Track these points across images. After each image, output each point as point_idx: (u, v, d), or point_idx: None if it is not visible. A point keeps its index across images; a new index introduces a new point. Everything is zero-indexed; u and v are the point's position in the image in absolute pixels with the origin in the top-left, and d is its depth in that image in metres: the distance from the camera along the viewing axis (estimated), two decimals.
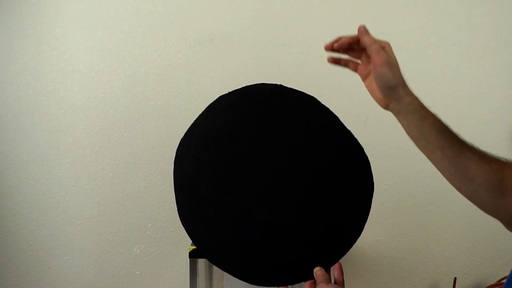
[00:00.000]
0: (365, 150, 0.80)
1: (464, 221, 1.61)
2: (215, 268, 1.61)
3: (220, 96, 0.79)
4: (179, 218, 0.77)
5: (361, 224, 0.78)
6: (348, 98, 1.55)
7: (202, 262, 1.51)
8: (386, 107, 0.77)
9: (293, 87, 0.80)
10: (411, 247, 1.63)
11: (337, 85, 1.59)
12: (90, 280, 1.63)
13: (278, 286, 0.77)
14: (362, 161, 0.79)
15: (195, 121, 0.79)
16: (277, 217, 0.75)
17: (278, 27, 1.59)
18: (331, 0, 1.59)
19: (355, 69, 0.79)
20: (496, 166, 0.70)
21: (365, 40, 0.73)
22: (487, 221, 0.83)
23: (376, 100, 0.77)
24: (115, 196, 1.61)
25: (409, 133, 0.76)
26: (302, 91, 0.80)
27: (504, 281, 1.55)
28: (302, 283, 0.77)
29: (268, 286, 0.78)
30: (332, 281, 0.75)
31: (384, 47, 0.74)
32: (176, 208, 0.77)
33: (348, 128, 0.80)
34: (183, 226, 0.77)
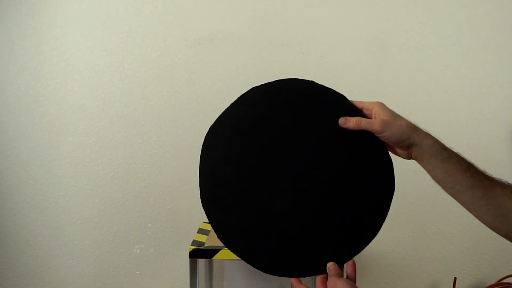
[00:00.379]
0: None
1: (464, 221, 1.61)
2: (215, 268, 1.61)
3: (253, 88, 0.81)
4: (200, 201, 0.78)
5: (379, 223, 0.79)
6: (348, 98, 1.54)
7: (202, 262, 1.51)
8: (410, 157, 0.76)
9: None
10: (411, 247, 1.63)
11: (337, 85, 1.58)
12: (90, 280, 1.63)
13: (290, 276, 0.79)
14: (386, 161, 0.79)
15: (226, 109, 0.80)
16: (297, 209, 0.76)
17: (278, 27, 1.59)
18: (331, 0, 1.59)
19: None
20: None
21: (351, 126, 0.75)
22: None
23: (401, 157, 0.78)
24: (115, 196, 1.61)
25: (434, 177, 0.74)
26: (333, 88, 0.82)
27: (504, 281, 1.56)
28: (313, 277, 0.78)
29: (281, 276, 0.79)
30: (345, 276, 0.75)
31: (376, 110, 0.75)
32: (199, 192, 0.78)
33: None
34: (204, 210, 0.78)
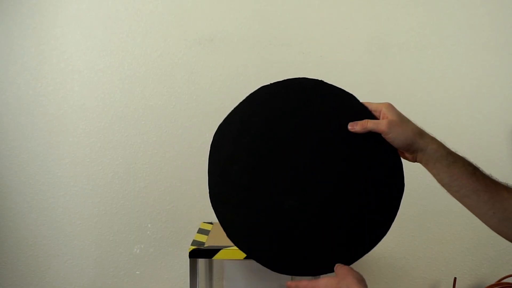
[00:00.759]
0: None
1: (464, 221, 1.61)
2: (215, 268, 1.61)
3: (262, 87, 0.81)
4: (209, 200, 0.78)
5: (388, 223, 0.80)
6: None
7: (202, 262, 1.51)
8: (415, 161, 0.77)
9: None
10: (411, 247, 1.63)
11: (337, 85, 1.58)
12: (90, 280, 1.63)
13: (298, 275, 0.79)
14: (395, 162, 0.79)
15: (235, 108, 0.80)
16: (305, 208, 0.76)
17: (278, 27, 1.59)
18: (331, 0, 1.59)
19: None
20: None
21: (358, 130, 0.76)
22: None
23: (407, 160, 0.78)
24: (115, 196, 1.61)
25: (440, 181, 0.75)
26: (343, 88, 0.81)
27: (504, 281, 1.56)
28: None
29: (289, 274, 0.79)
30: None
31: (384, 111, 0.75)
32: (208, 191, 0.79)
33: None
34: (213, 208, 0.78)
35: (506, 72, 1.60)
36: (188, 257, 1.29)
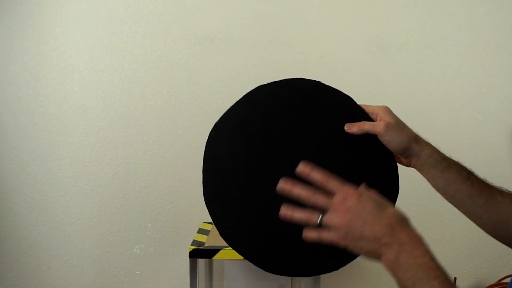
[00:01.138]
0: None
1: (464, 221, 1.59)
2: (215, 268, 1.61)
3: (259, 86, 0.81)
4: (203, 199, 0.78)
5: None
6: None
7: (202, 262, 1.51)
8: (409, 165, 0.77)
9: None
10: None
11: (337, 85, 1.58)
12: (90, 280, 1.63)
13: (291, 276, 0.79)
14: (390, 164, 0.79)
15: (231, 106, 0.80)
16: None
17: (278, 27, 1.59)
18: (331, 0, 1.59)
19: None
20: None
21: (355, 131, 0.75)
22: None
23: (402, 164, 0.78)
24: (115, 196, 1.61)
25: (435, 186, 0.75)
26: (340, 90, 0.82)
27: (505, 281, 1.55)
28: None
29: (283, 275, 0.79)
30: None
31: (381, 114, 0.75)
32: (202, 190, 0.78)
33: None
34: (207, 207, 0.78)
35: (506, 72, 1.60)
36: (188, 257, 1.30)
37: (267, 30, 1.59)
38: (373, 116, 0.78)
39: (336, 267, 0.77)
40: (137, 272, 1.63)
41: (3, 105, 1.58)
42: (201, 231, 1.46)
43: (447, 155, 0.76)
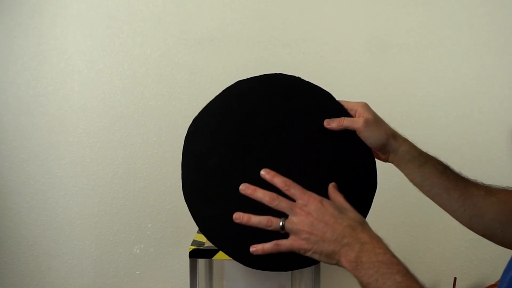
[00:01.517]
0: None
1: None
2: (215, 268, 1.61)
3: (239, 81, 0.81)
4: (183, 195, 0.77)
5: None
6: (348, 98, 1.54)
7: (202, 262, 1.51)
8: (387, 161, 0.79)
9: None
10: (411, 247, 1.63)
11: (337, 85, 1.58)
12: (90, 280, 1.63)
13: (272, 270, 0.79)
14: (369, 159, 0.80)
15: (211, 101, 0.80)
16: (276, 210, 0.75)
17: (278, 27, 1.59)
18: (331, 0, 1.59)
19: None
20: (503, 197, 0.71)
21: (334, 127, 0.76)
22: None
23: (380, 160, 0.80)
24: (115, 196, 1.61)
25: (412, 180, 0.77)
26: (319, 86, 0.82)
27: None
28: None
29: (263, 270, 0.79)
30: None
31: (360, 111, 0.76)
32: (181, 185, 0.78)
33: None
34: (187, 203, 0.77)
35: (506, 72, 1.60)
36: (188, 257, 1.30)
37: (267, 30, 1.59)
38: (352, 112, 0.79)
39: (316, 261, 0.78)
40: (137, 272, 1.63)
41: (3, 105, 1.58)
42: None
43: (425, 150, 0.78)
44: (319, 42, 1.59)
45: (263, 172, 0.72)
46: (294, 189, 0.69)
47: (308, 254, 0.66)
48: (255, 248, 0.70)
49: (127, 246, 1.62)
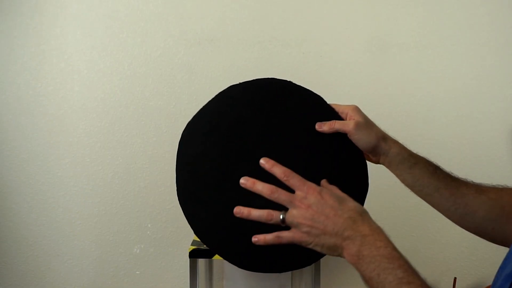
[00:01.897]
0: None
1: None
2: (215, 268, 1.61)
3: (231, 86, 0.82)
4: (177, 198, 0.78)
5: None
6: (348, 98, 1.54)
7: (202, 262, 1.51)
8: (378, 163, 0.80)
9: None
10: (411, 247, 1.63)
11: (337, 85, 1.59)
12: (90, 280, 1.63)
13: (266, 272, 0.80)
14: (360, 162, 0.81)
15: (204, 106, 0.81)
16: (272, 207, 0.75)
17: (278, 27, 1.59)
18: (331, 0, 1.59)
19: None
20: (493, 195, 0.73)
21: (326, 130, 0.77)
22: None
23: (371, 161, 0.81)
24: (115, 196, 1.61)
25: (403, 181, 0.79)
26: (311, 90, 0.82)
27: None
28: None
29: (256, 271, 0.80)
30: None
31: (351, 114, 0.77)
32: (176, 189, 0.78)
33: None
34: (181, 206, 0.78)
35: (506, 72, 1.60)
36: (188, 257, 1.30)
37: (267, 30, 1.59)
38: (343, 116, 0.80)
39: (313, 260, 0.78)
40: (137, 272, 1.63)
41: (3, 105, 1.58)
42: None
43: (415, 151, 0.79)
44: (319, 42, 1.59)
45: (262, 161, 0.73)
46: (293, 180, 0.70)
47: (310, 246, 0.67)
48: (257, 239, 0.70)
49: (127, 246, 1.62)
